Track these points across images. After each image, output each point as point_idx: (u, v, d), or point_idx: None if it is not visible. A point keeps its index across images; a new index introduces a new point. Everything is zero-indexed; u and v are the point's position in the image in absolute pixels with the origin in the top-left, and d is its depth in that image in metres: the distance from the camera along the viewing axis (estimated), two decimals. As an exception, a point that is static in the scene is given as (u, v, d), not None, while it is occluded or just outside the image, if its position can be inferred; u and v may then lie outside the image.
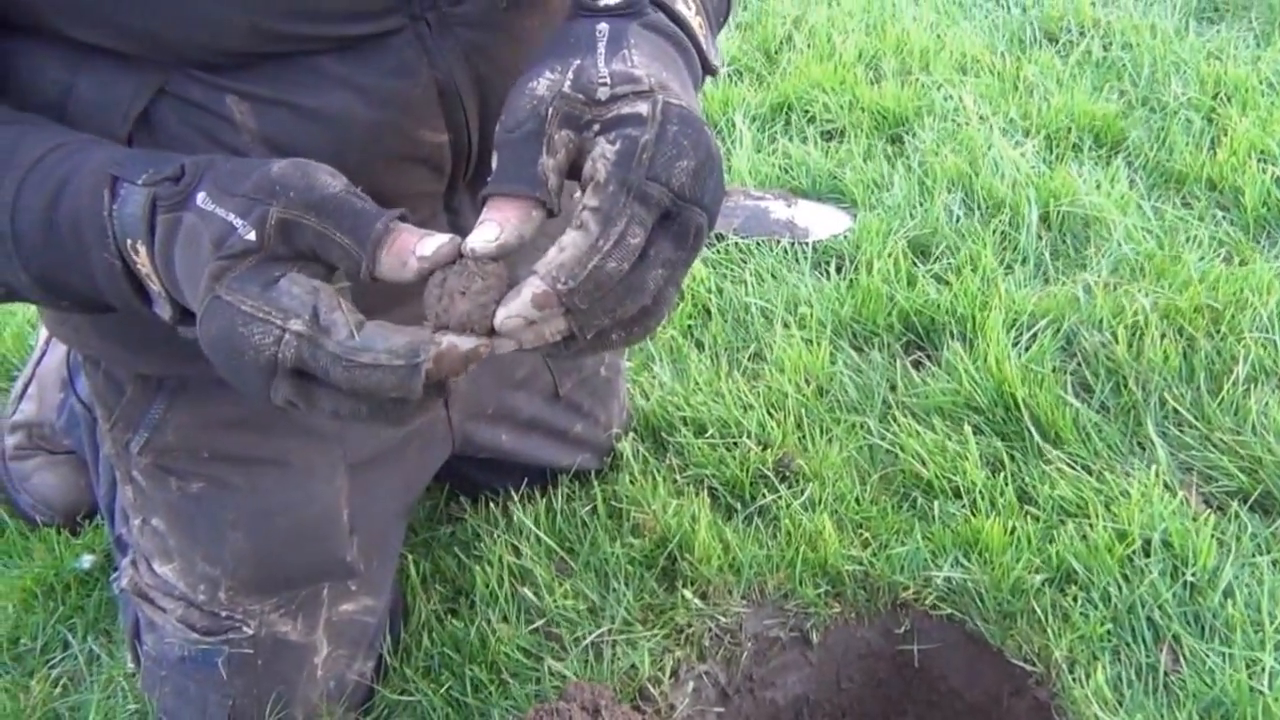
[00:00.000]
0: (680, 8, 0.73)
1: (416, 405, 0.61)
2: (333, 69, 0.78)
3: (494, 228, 0.62)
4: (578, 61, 0.65)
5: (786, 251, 1.72)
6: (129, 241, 0.66)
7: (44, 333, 1.50)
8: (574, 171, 0.65)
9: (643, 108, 0.62)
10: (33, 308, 1.65)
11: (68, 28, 0.73)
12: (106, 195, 0.67)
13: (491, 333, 0.62)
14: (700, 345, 1.57)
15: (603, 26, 0.67)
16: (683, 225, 0.63)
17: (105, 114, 0.76)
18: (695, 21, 0.73)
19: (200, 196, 0.64)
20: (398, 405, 0.61)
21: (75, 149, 0.71)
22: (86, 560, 1.32)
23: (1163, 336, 1.46)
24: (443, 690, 1.14)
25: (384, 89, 0.80)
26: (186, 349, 0.86)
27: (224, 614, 1.02)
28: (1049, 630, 1.14)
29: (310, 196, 0.62)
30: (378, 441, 1.04)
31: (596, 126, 0.63)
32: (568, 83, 0.64)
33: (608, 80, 0.63)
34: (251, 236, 0.61)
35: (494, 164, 0.65)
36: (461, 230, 0.93)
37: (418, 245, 0.61)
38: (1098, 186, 1.79)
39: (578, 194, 0.64)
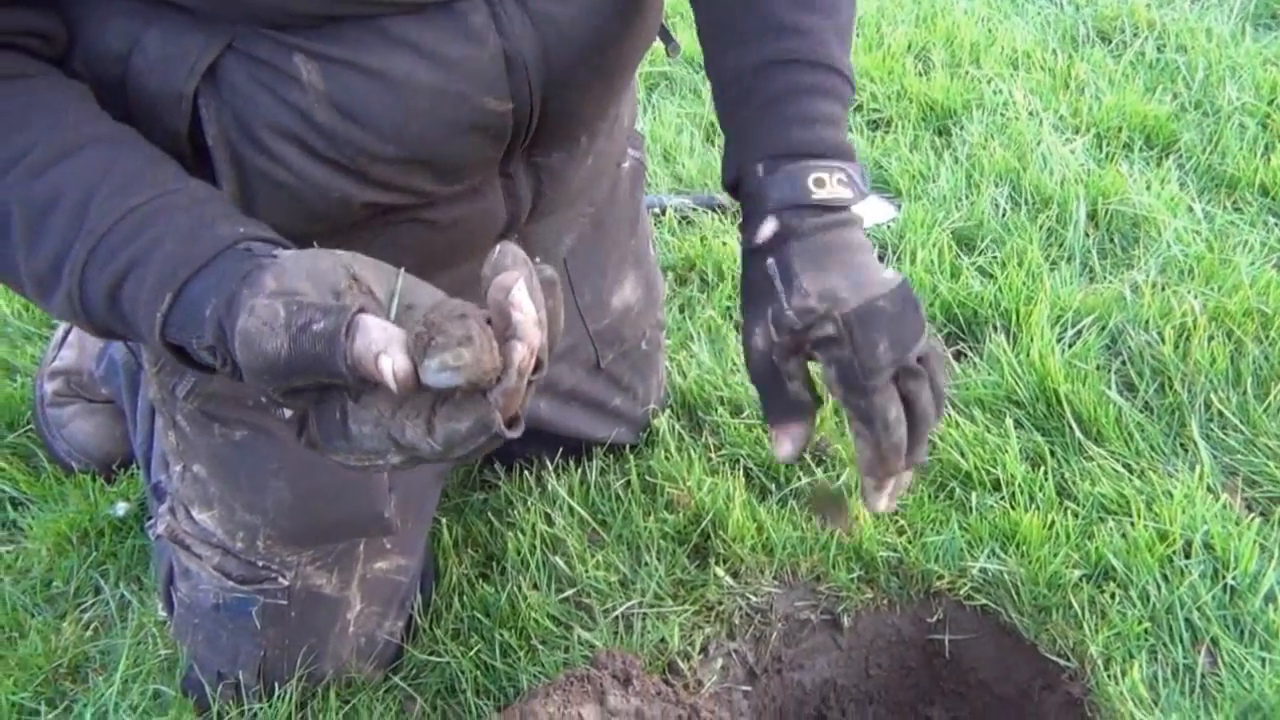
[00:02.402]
0: (817, 190, 0.79)
1: (489, 442, 0.65)
2: (402, 33, 0.78)
3: (790, 445, 0.80)
4: (770, 309, 0.77)
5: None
6: (194, 340, 0.68)
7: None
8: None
9: (830, 329, 0.75)
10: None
11: None
12: (170, 293, 0.68)
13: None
14: (739, 327, 1.56)
15: (770, 264, 0.78)
16: (913, 371, 0.77)
17: (171, 68, 0.75)
18: (833, 179, 0.80)
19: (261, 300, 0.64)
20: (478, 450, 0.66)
21: (146, 220, 0.70)
22: (121, 508, 1.32)
23: (1210, 339, 1.44)
24: (471, 653, 1.14)
25: (452, 55, 0.79)
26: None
27: (260, 563, 1.02)
28: (1085, 626, 1.12)
29: (275, 372, 0.63)
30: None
31: (808, 345, 0.77)
32: (772, 331, 0.77)
33: (795, 319, 0.76)
34: (287, 414, 0.67)
35: (761, 398, 0.81)
36: (514, 197, 0.93)
37: (381, 364, 0.61)
38: (1148, 187, 1.77)
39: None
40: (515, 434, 0.64)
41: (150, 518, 1.18)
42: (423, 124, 0.80)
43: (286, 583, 1.03)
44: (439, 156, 0.83)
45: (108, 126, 0.74)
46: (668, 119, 2.04)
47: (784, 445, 0.79)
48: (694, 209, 1.79)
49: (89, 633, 1.20)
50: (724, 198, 1.79)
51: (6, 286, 0.81)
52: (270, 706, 1.08)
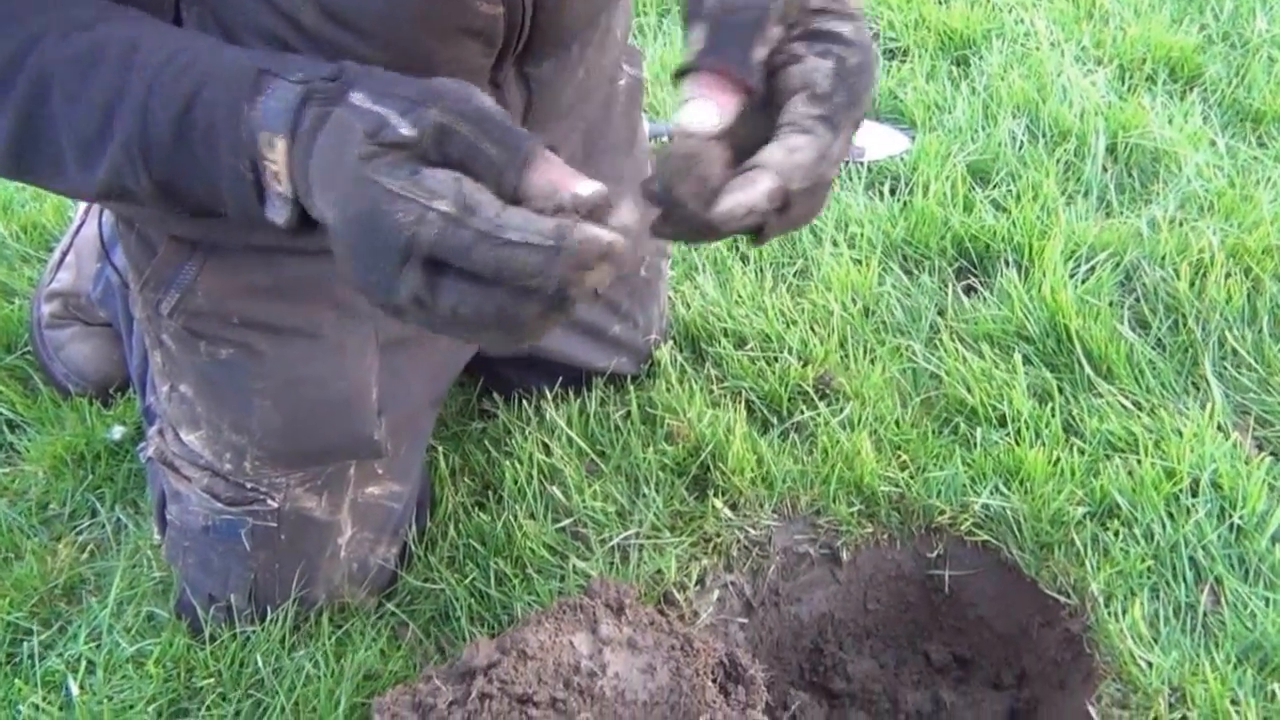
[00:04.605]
0: None
1: (538, 313, 0.59)
2: None
3: (713, 109, 0.67)
4: None
5: (841, 169, 1.66)
6: (265, 136, 0.65)
7: (83, 203, 1.48)
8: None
9: (846, 29, 0.69)
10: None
11: None
12: (246, 102, 0.66)
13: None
14: (745, 259, 1.53)
15: None
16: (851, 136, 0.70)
17: None
18: None
19: (356, 95, 0.63)
20: (522, 304, 0.58)
21: (200, 51, 0.69)
22: (117, 431, 1.31)
23: (1227, 276, 1.40)
24: (466, 581, 1.13)
25: None
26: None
27: (249, 485, 1.01)
28: (1087, 563, 1.11)
29: (467, 107, 0.61)
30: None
31: (797, 30, 0.68)
32: None
33: None
34: (406, 131, 0.60)
35: (699, 38, 0.68)
36: (504, 107, 0.90)
37: (575, 184, 0.59)
38: (1170, 120, 1.72)
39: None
40: (550, 312, 0.59)
41: (145, 440, 1.17)
42: (412, 28, 0.77)
43: (275, 505, 1.02)
44: (428, 61, 0.80)
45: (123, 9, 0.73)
46: (678, 45, 1.99)
47: (705, 108, 0.68)
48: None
49: (84, 555, 1.20)
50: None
51: (36, 181, 0.78)
52: (263, 630, 1.08)
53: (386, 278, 0.59)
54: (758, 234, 0.69)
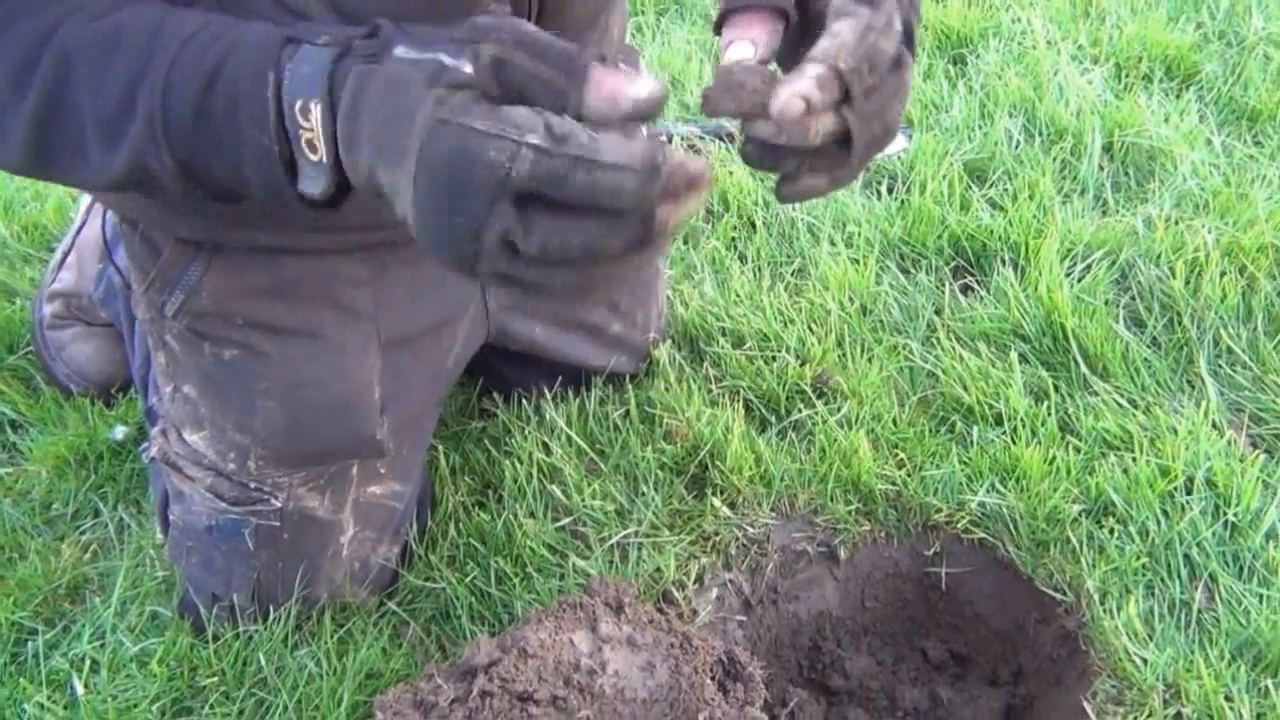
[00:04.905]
0: None
1: (625, 247, 0.59)
2: None
3: (748, 46, 0.69)
4: None
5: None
6: (298, 103, 0.64)
7: (84, 203, 1.49)
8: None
9: None
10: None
11: None
12: (272, 71, 0.65)
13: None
14: (743, 258, 1.54)
15: None
16: (909, 27, 0.70)
17: None
18: None
19: (399, 50, 0.63)
20: (613, 235, 0.58)
21: (226, 27, 0.69)
22: (119, 431, 1.32)
23: (1223, 274, 1.41)
24: (467, 580, 1.14)
25: None
26: (228, 214, 0.85)
27: (252, 484, 1.02)
28: (1082, 561, 1.11)
29: (516, 35, 0.61)
30: (412, 323, 1.03)
31: None
32: None
33: None
34: (468, 69, 0.60)
35: None
36: None
37: (630, 87, 0.60)
38: (1166, 119, 1.73)
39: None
40: (646, 243, 0.59)
41: (148, 441, 1.17)
42: (421, 18, 0.77)
43: (278, 504, 1.03)
44: None
45: None
46: (676, 45, 2.00)
47: (742, 48, 0.70)
48: (701, 137, 1.76)
49: (87, 555, 1.21)
50: (732, 126, 1.75)
51: (57, 173, 0.76)
52: (265, 629, 1.08)
53: (475, 220, 0.58)
54: (846, 141, 0.68)
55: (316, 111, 0.64)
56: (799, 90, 0.64)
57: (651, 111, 0.59)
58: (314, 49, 0.65)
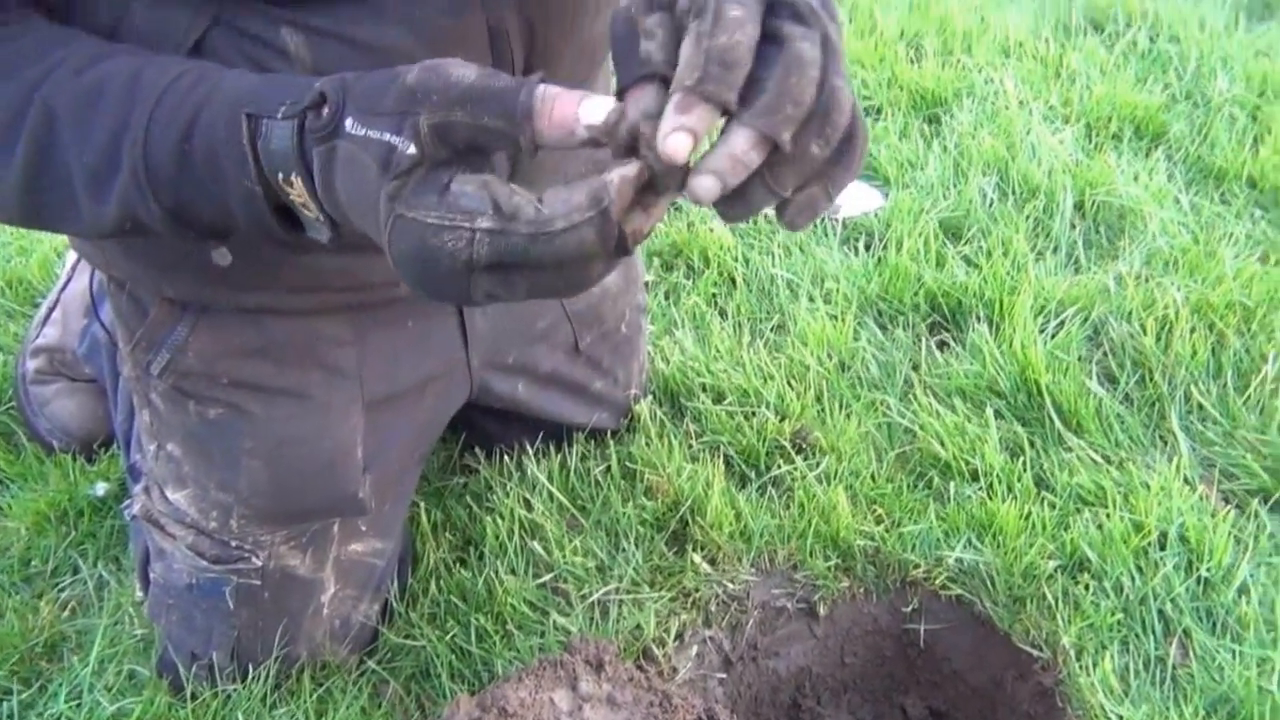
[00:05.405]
0: None
1: (604, 267, 0.61)
2: (388, 6, 0.78)
3: (634, 109, 0.60)
4: None
5: (816, 226, 1.70)
6: (280, 175, 0.66)
7: (70, 259, 1.50)
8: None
9: None
10: (60, 238, 1.65)
11: None
12: (245, 126, 0.67)
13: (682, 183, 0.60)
14: (724, 314, 1.56)
15: None
16: (791, 2, 0.59)
17: (158, 43, 0.75)
18: None
19: (349, 123, 0.63)
20: (588, 268, 0.61)
21: (201, 75, 0.70)
22: (100, 488, 1.32)
23: (1192, 331, 1.44)
24: (447, 637, 1.14)
25: (436, 27, 0.80)
26: (212, 274, 0.87)
27: (234, 543, 1.02)
28: (1058, 617, 1.13)
29: (451, 94, 0.61)
30: (395, 382, 1.04)
31: (683, 2, 0.61)
32: None
33: None
34: (412, 150, 0.61)
35: (615, 66, 0.64)
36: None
37: (583, 112, 0.60)
38: (1135, 178, 1.77)
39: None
40: (616, 256, 0.60)
41: (129, 498, 1.18)
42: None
43: (260, 563, 1.03)
44: None
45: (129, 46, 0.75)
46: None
47: (630, 109, 0.60)
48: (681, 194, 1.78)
49: (66, 612, 1.20)
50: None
51: (51, 224, 0.77)
52: (244, 688, 1.08)
53: (457, 291, 0.61)
54: (774, 169, 0.60)
55: (299, 182, 0.66)
56: (670, 125, 0.57)
57: (607, 136, 0.60)
58: (276, 124, 0.66)
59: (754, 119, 0.57)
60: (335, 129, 0.64)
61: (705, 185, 0.58)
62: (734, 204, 0.61)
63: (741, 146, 0.57)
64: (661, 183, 0.61)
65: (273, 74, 0.72)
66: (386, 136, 0.62)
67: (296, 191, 0.67)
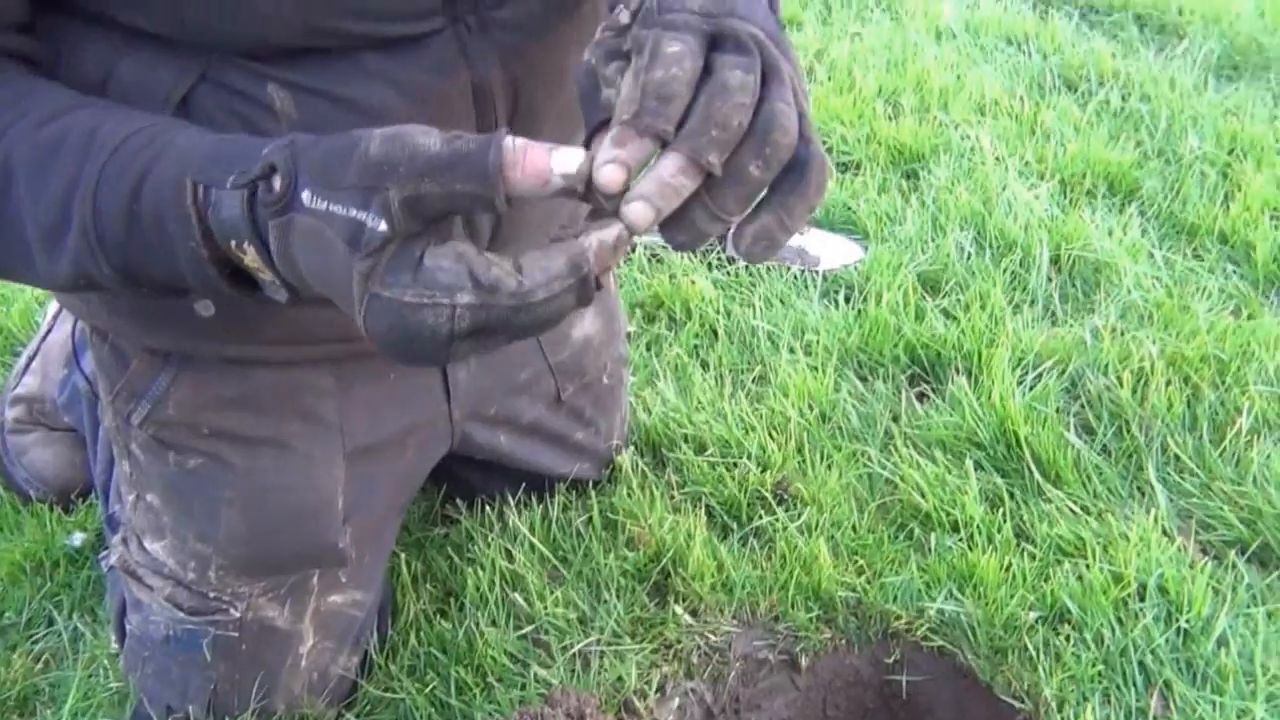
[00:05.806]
0: None
1: (582, 307, 0.63)
2: (373, 64, 0.79)
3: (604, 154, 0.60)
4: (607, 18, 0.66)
5: (796, 278, 1.72)
6: (232, 243, 0.65)
7: (51, 309, 1.50)
8: None
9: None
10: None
11: (116, 10, 0.74)
12: (190, 192, 0.66)
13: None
14: (705, 365, 1.57)
15: None
16: (733, 36, 0.60)
17: (145, 98, 0.76)
18: None
19: (306, 195, 0.62)
20: (563, 316, 0.62)
21: (155, 133, 0.69)
22: (77, 538, 1.31)
23: (1168, 384, 1.46)
24: (427, 690, 1.13)
25: (421, 85, 0.81)
26: (195, 325, 0.87)
27: (212, 595, 1.02)
28: (1040, 668, 1.13)
29: (418, 164, 0.60)
30: (377, 432, 1.04)
31: (626, 43, 0.63)
32: (599, 31, 0.65)
33: (625, 6, 0.65)
34: (383, 227, 0.59)
35: (584, 114, 0.65)
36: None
37: (555, 163, 0.60)
38: (1110, 233, 1.80)
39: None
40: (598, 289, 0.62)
41: (106, 548, 1.17)
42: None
43: (238, 614, 1.02)
44: None
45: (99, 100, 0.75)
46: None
47: (601, 154, 0.59)
48: (664, 246, 1.81)
49: (39, 665, 1.19)
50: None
51: (13, 275, 0.77)
52: (220, 742, 1.07)
53: (437, 359, 0.61)
54: (712, 192, 0.60)
55: (251, 250, 0.65)
56: (604, 157, 0.58)
57: (580, 185, 0.60)
58: (224, 193, 0.65)
59: (680, 144, 0.58)
60: (290, 202, 0.62)
61: (636, 210, 0.58)
62: (678, 229, 0.61)
63: (669, 171, 0.58)
64: (604, 213, 0.62)
65: (226, 135, 0.71)
66: (353, 213, 0.60)
67: (250, 258, 0.66)
